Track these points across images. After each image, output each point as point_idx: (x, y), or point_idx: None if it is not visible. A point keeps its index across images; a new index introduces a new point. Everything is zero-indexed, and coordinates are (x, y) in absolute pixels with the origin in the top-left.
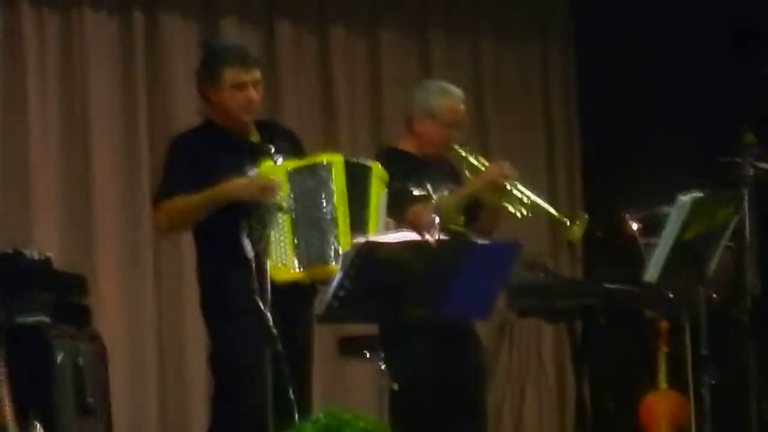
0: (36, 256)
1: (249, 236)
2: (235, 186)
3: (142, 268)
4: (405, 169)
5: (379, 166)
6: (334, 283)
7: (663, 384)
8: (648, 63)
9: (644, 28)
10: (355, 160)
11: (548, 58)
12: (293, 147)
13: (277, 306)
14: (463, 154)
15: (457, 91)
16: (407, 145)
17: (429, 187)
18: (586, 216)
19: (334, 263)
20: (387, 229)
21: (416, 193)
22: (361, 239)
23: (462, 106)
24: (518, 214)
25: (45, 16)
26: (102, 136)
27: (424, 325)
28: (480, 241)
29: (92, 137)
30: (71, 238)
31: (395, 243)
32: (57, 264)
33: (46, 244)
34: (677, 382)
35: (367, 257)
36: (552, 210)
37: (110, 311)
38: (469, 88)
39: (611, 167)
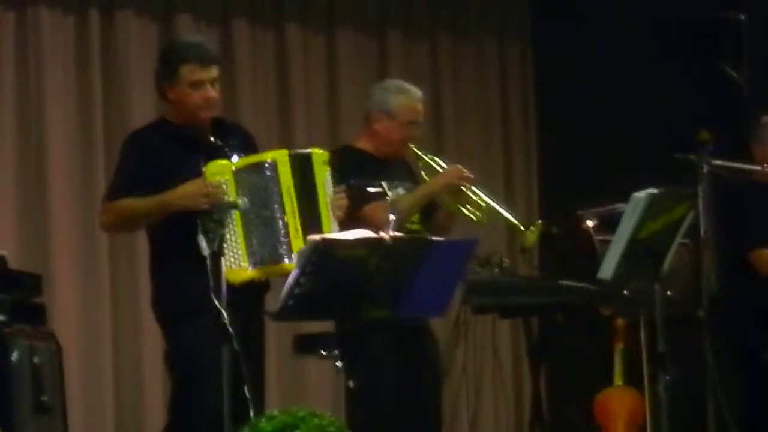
0: None
1: (204, 234)
2: (178, 195)
3: (97, 266)
4: (361, 168)
5: (318, 150)
6: (290, 280)
7: (619, 380)
8: (606, 61)
9: (603, 25)
10: (296, 151)
11: (506, 56)
12: (248, 145)
13: (231, 304)
14: (420, 153)
15: (415, 91)
16: (364, 144)
17: (384, 185)
18: (541, 222)
19: (287, 261)
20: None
21: (371, 190)
22: (316, 237)
23: (420, 106)
24: (473, 217)
25: (0, 13)
26: (57, 134)
27: (381, 323)
28: (436, 239)
29: (47, 135)
30: (26, 237)
31: (351, 240)
32: (12, 263)
33: (0, 243)
34: (634, 379)
35: (323, 255)
36: (508, 215)
37: (66, 310)
38: (427, 87)
39: (568, 165)
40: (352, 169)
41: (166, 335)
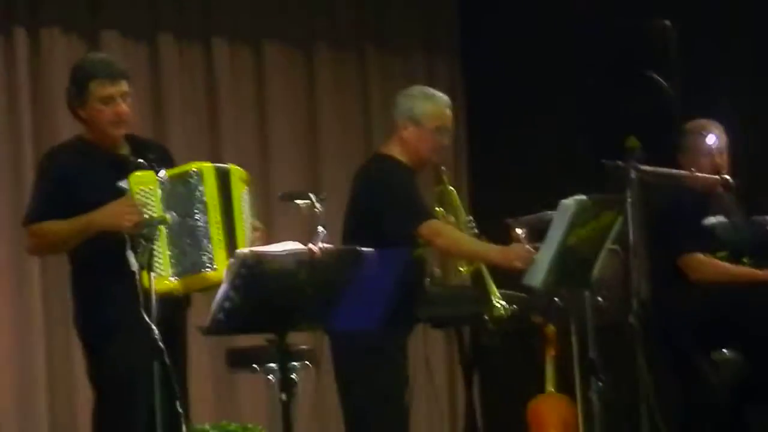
0: None
1: (133, 250)
2: (105, 215)
3: (28, 288)
4: (409, 179)
5: (237, 167)
6: (219, 294)
7: (550, 388)
8: (534, 69)
9: (531, 34)
10: (218, 165)
11: (434, 69)
12: (164, 161)
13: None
14: (445, 180)
15: (441, 96)
16: (396, 153)
17: (312, 197)
18: (516, 308)
19: (208, 271)
20: (255, 228)
21: (299, 202)
22: (245, 250)
23: (448, 111)
24: (460, 268)
25: None
26: None
27: None
28: (366, 250)
29: None
30: None
31: (280, 253)
32: None
33: None
34: (566, 386)
35: (253, 268)
36: (492, 286)
37: None
38: (355, 100)
39: (497, 174)
40: (407, 178)
41: (89, 351)
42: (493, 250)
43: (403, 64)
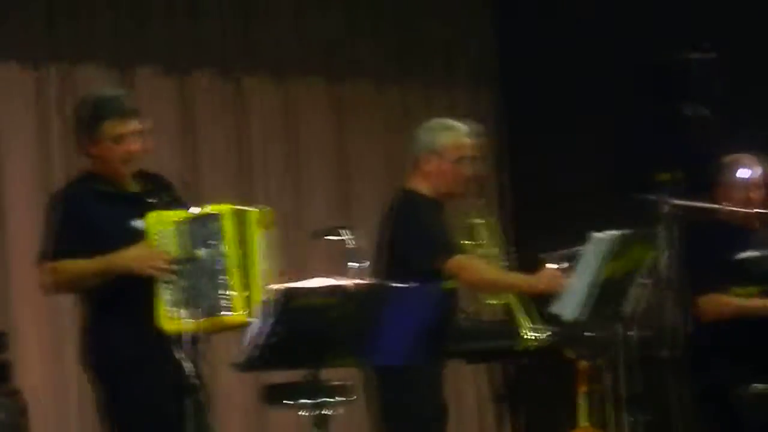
0: None
1: (162, 287)
2: (126, 259)
3: (61, 321)
4: (435, 213)
5: (255, 209)
6: (255, 330)
7: (584, 422)
8: (571, 100)
9: (567, 63)
10: (237, 207)
11: (473, 100)
12: (173, 197)
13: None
14: (480, 212)
15: (460, 126)
16: (419, 186)
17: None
18: (546, 338)
19: (226, 314)
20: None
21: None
22: (279, 285)
23: (467, 140)
24: (492, 300)
25: None
26: (18, 191)
27: None
28: (399, 285)
29: (7, 193)
30: None
31: (313, 288)
32: None
33: None
34: (600, 421)
35: (287, 304)
36: (521, 315)
37: (31, 366)
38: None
39: (534, 207)
40: (435, 214)
41: (98, 381)
42: (519, 279)
43: (445, 96)
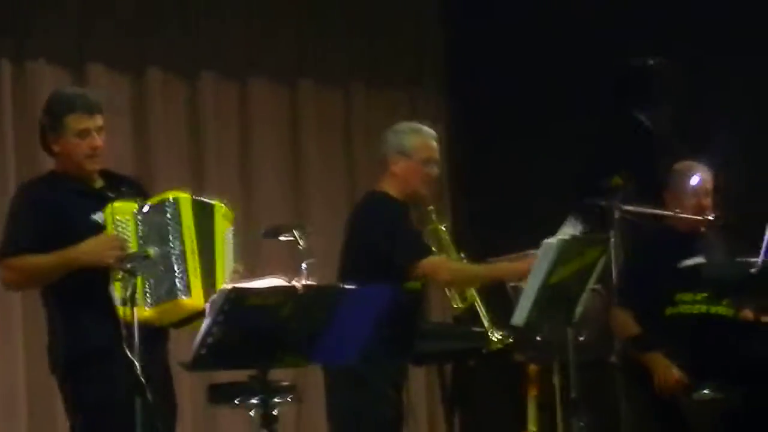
0: None
1: (115, 284)
2: (84, 251)
3: (10, 327)
4: (405, 215)
5: (222, 203)
6: (202, 329)
7: (532, 427)
8: (522, 104)
9: (519, 68)
10: (200, 198)
11: (419, 103)
12: (138, 193)
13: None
14: (433, 218)
15: (428, 130)
16: (388, 188)
17: (296, 233)
18: (510, 338)
19: (182, 297)
20: (235, 270)
21: (283, 239)
22: (227, 285)
23: (435, 144)
24: (454, 304)
25: None
26: None
27: None
28: (349, 286)
29: None
30: None
31: (263, 289)
32: None
33: None
34: (548, 425)
35: (236, 303)
36: (485, 317)
37: None
38: (340, 133)
39: (480, 211)
40: (406, 215)
41: (68, 378)
42: (503, 265)
43: (388, 99)
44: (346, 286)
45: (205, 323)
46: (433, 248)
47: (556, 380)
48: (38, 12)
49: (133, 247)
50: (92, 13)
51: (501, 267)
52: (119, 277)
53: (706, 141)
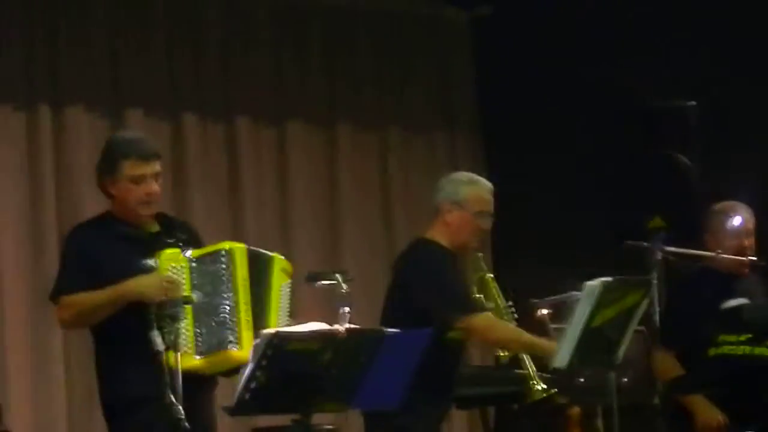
0: None
1: (159, 330)
2: (140, 284)
3: (51, 362)
4: (453, 266)
5: (282, 258)
6: (246, 374)
7: None
8: (556, 146)
9: (553, 109)
10: (257, 249)
11: (455, 145)
12: (192, 239)
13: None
14: (482, 266)
15: (485, 182)
16: (438, 237)
17: (339, 277)
18: (555, 392)
19: (233, 349)
20: (288, 324)
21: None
22: (270, 330)
23: (490, 197)
24: (501, 353)
25: None
26: (8, 230)
27: None
28: (390, 331)
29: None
30: None
31: (305, 333)
32: None
33: None
34: None
35: (278, 348)
36: (531, 367)
37: (21, 407)
38: (377, 177)
39: (522, 253)
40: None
41: (110, 426)
42: (550, 345)
43: (425, 142)
44: (388, 331)
45: (249, 368)
46: (482, 296)
47: (599, 423)
48: (76, 59)
49: (186, 292)
50: (129, 60)
51: (546, 345)
52: (162, 323)
53: (741, 183)
